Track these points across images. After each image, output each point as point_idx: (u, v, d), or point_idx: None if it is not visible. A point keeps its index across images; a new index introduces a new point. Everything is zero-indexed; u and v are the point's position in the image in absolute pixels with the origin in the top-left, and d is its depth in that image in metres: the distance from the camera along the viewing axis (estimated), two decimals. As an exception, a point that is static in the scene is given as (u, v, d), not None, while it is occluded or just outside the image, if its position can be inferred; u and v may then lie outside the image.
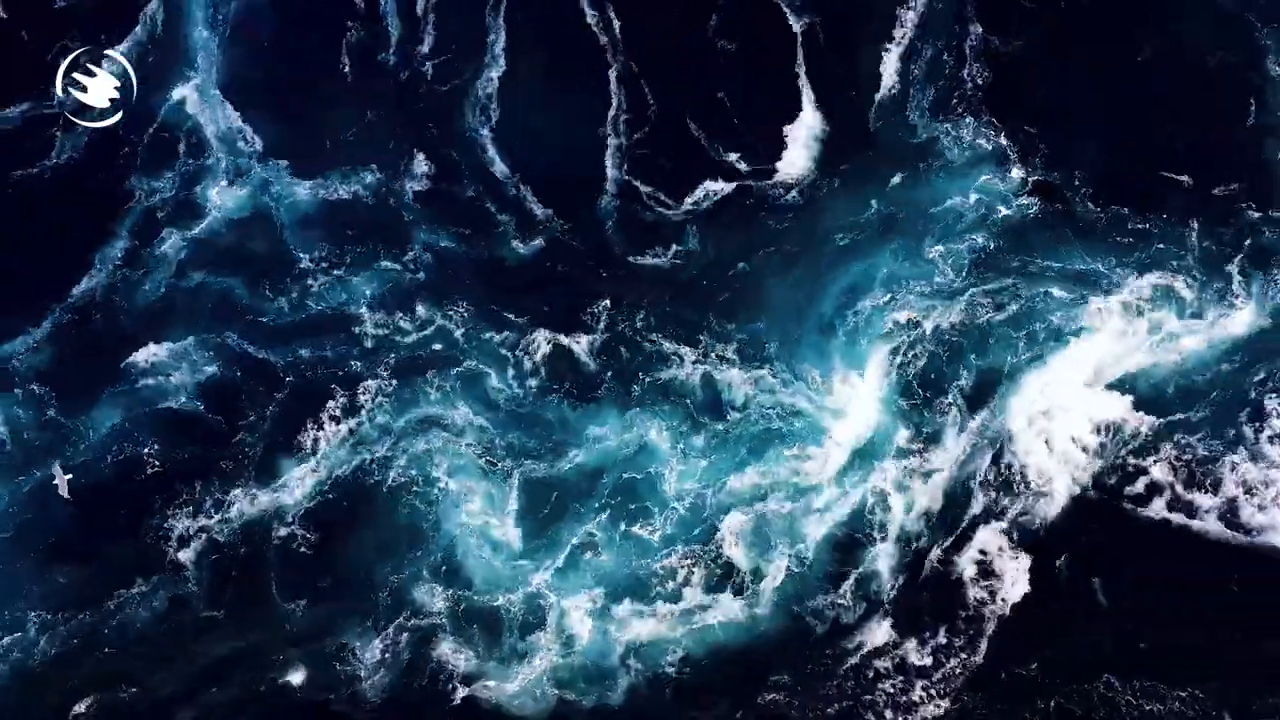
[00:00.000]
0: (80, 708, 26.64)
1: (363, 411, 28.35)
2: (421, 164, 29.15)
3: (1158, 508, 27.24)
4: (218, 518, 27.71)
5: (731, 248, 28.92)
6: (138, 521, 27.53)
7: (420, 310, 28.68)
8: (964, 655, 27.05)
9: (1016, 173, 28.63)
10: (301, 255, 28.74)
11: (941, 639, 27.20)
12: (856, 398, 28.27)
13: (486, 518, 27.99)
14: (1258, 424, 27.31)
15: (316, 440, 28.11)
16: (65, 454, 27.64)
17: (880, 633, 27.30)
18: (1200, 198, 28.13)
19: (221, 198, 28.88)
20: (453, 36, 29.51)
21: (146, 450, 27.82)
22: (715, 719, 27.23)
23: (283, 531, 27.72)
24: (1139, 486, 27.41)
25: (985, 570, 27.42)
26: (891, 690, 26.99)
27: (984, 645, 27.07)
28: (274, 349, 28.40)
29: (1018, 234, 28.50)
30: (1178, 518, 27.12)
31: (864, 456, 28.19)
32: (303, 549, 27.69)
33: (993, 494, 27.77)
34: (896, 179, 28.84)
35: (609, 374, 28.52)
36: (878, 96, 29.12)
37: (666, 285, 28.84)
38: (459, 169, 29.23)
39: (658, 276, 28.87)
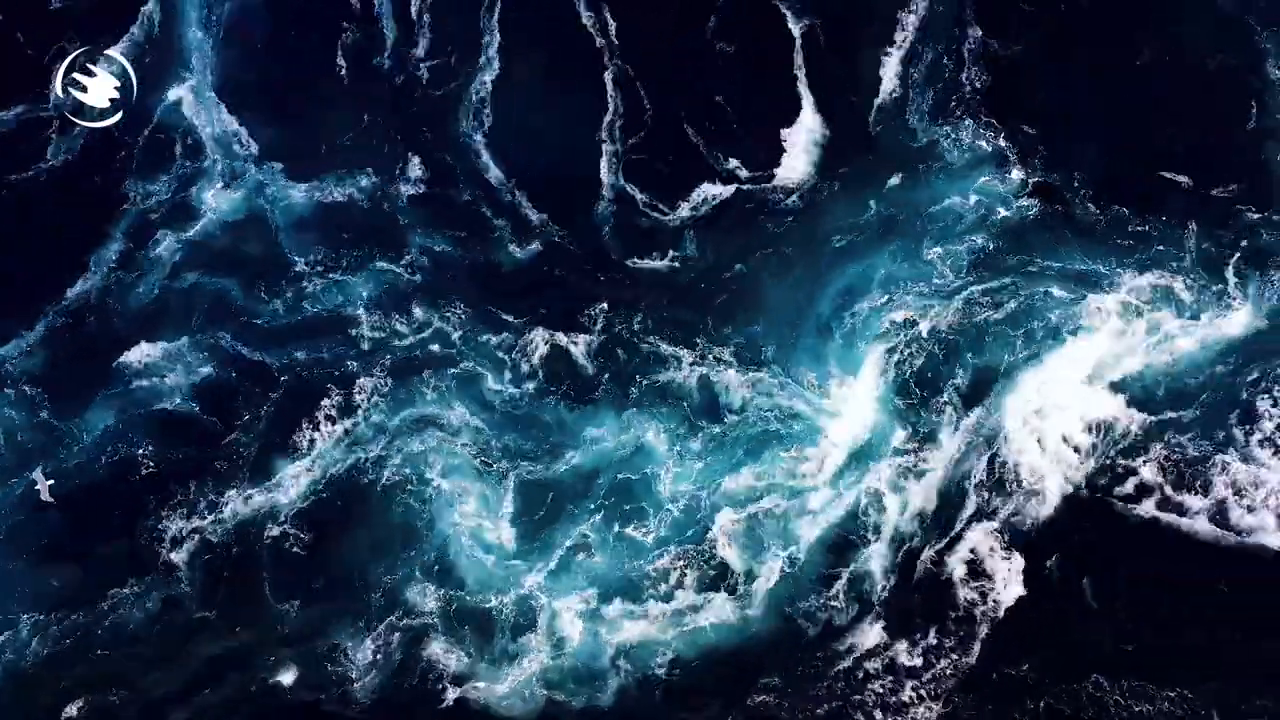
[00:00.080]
0: (72, 709, 26.73)
1: (358, 411, 28.56)
2: (416, 168, 29.46)
3: (1148, 508, 27.41)
4: (211, 518, 27.87)
5: (729, 251, 29.21)
6: (131, 522, 27.69)
7: (417, 312, 28.97)
8: (954, 656, 27.17)
9: (1016, 174, 28.95)
10: (296, 258, 29.03)
11: (932, 639, 27.31)
12: (853, 399, 28.49)
13: (480, 519, 28.18)
14: (1248, 426, 27.50)
15: (312, 440, 28.32)
16: (59, 455, 27.83)
17: (871, 634, 27.41)
18: (1199, 199, 28.43)
19: (216, 200, 29.16)
20: (448, 39, 29.81)
21: (140, 451, 28.01)
22: (705, 721, 27.58)
23: (276, 531, 27.88)
24: (1129, 487, 27.57)
25: (976, 571, 27.54)
26: (881, 691, 27.09)
27: (974, 646, 27.17)
28: (269, 350, 28.64)
29: (1017, 235, 28.79)
30: (1168, 518, 27.28)
31: (860, 457, 28.38)
32: (295, 549, 27.85)
33: (985, 494, 27.91)
34: (896, 180, 29.17)
35: (606, 376, 28.78)
36: (877, 99, 29.43)
37: (664, 288, 29.12)
38: (454, 173, 29.55)
39: (655, 279, 29.17)
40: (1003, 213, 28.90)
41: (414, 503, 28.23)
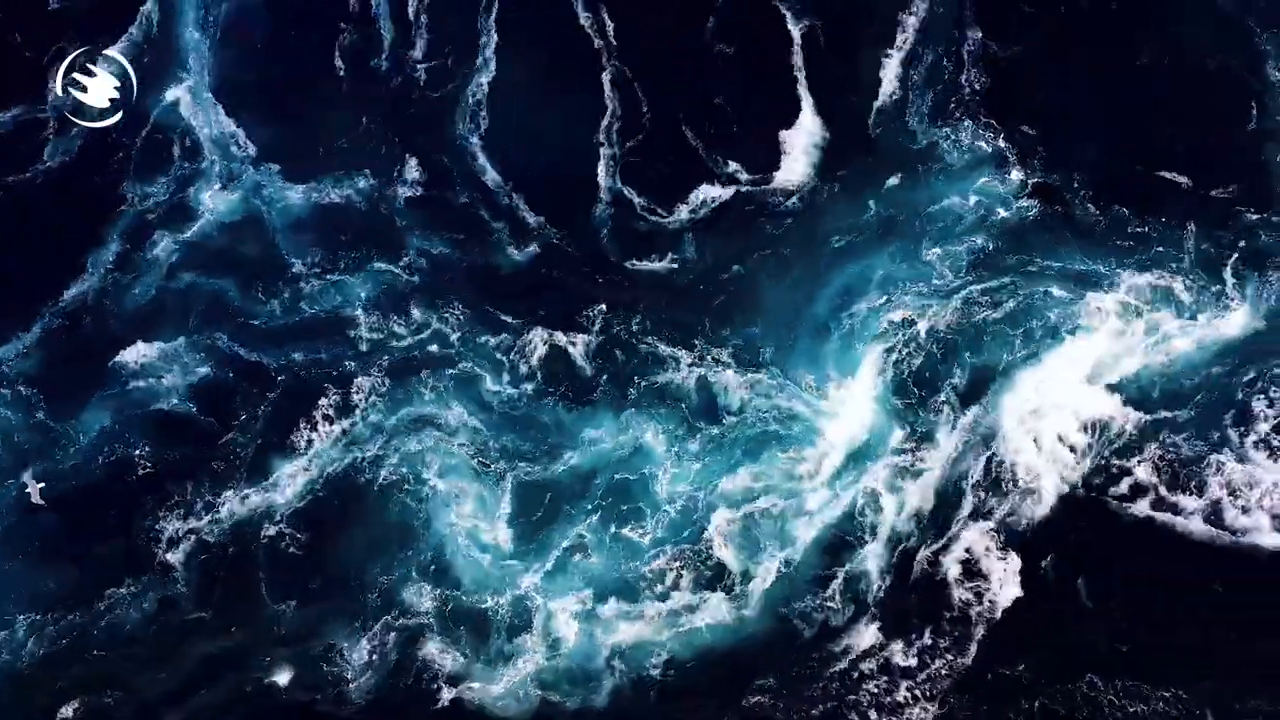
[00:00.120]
0: (68, 710, 26.86)
1: (356, 411, 28.69)
2: (414, 170, 29.64)
3: (1143, 508, 27.48)
4: (207, 518, 27.97)
5: (728, 253, 29.33)
6: (128, 522, 27.78)
7: (415, 313, 29.13)
8: (949, 656, 27.23)
9: (1016, 175, 29.10)
10: (294, 259, 29.20)
11: (927, 640, 27.37)
12: (851, 400, 28.60)
13: (477, 520, 28.31)
14: (1244, 426, 27.63)
15: (309, 440, 28.45)
16: (54, 456, 27.95)
17: (867, 635, 27.46)
18: (1198, 200, 28.58)
19: (214, 201, 29.32)
20: (445, 40, 30.01)
21: (137, 452, 28.12)
22: (699, 722, 27.69)
23: (272, 531, 27.98)
24: (1124, 487, 27.63)
25: (971, 571, 27.62)
26: (876, 691, 27.14)
27: (970, 646, 27.22)
28: (266, 351, 28.79)
29: (1016, 235, 28.93)
30: (1162, 518, 27.35)
31: (857, 458, 28.46)
32: (292, 549, 27.95)
33: (982, 494, 28.01)
34: (895, 181, 29.32)
35: (605, 377, 28.93)
36: (877, 101, 29.57)
37: (662, 289, 29.26)
38: (451, 175, 29.72)
39: (654, 281, 29.32)
40: (1002, 213, 29.05)
41: (411, 502, 28.34)
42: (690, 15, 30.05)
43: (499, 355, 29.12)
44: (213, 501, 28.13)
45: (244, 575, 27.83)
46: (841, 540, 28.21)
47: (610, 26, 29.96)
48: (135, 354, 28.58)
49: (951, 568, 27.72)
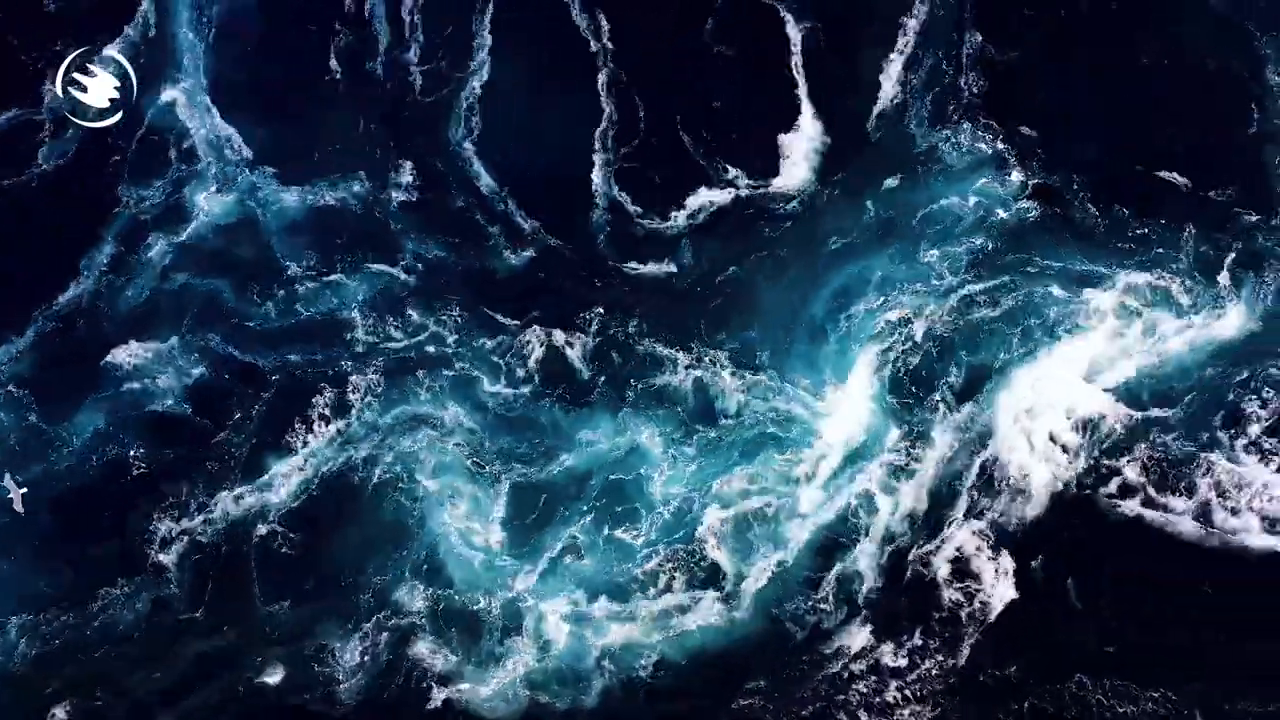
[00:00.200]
0: (60, 711, 27.10)
1: (352, 411, 28.95)
2: (408, 173, 30.03)
3: (1133, 508, 27.69)
4: (201, 519, 28.23)
5: (726, 256, 29.65)
6: (121, 523, 28.10)
7: (412, 315, 29.49)
8: (940, 657, 27.42)
9: (1016, 176, 29.43)
10: (289, 262, 29.59)
11: (918, 640, 27.56)
12: (848, 401, 28.81)
13: (471, 521, 28.53)
14: (1234, 429, 27.84)
15: (304, 439, 28.69)
16: (48, 458, 28.25)
17: (858, 636, 27.64)
18: (1197, 201, 28.90)
19: (209, 203, 29.69)
20: (441, 43, 30.41)
21: (131, 452, 28.44)
22: (688, 724, 27.79)
23: (264, 531, 28.23)
24: (1114, 487, 27.86)
25: (962, 572, 27.81)
26: (866, 692, 27.30)
27: (960, 647, 27.42)
28: (261, 352, 29.10)
29: (1016, 236, 29.24)
30: (1152, 518, 27.57)
31: (853, 459, 28.69)
32: (285, 549, 28.20)
33: (975, 493, 28.21)
34: (894, 183, 29.66)
35: (602, 379, 29.20)
36: (877, 104, 29.95)
37: (660, 292, 29.58)
38: (446, 179, 30.10)
39: (651, 283, 29.65)
40: (1002, 214, 29.35)
41: (405, 500, 28.60)
42: (688, 17, 30.39)
43: (496, 357, 29.40)
44: (206, 502, 28.40)
45: (237, 575, 28.07)
46: (834, 541, 28.41)
47: (607, 29, 30.33)
48: (128, 353, 28.89)
49: (942, 568, 27.92)
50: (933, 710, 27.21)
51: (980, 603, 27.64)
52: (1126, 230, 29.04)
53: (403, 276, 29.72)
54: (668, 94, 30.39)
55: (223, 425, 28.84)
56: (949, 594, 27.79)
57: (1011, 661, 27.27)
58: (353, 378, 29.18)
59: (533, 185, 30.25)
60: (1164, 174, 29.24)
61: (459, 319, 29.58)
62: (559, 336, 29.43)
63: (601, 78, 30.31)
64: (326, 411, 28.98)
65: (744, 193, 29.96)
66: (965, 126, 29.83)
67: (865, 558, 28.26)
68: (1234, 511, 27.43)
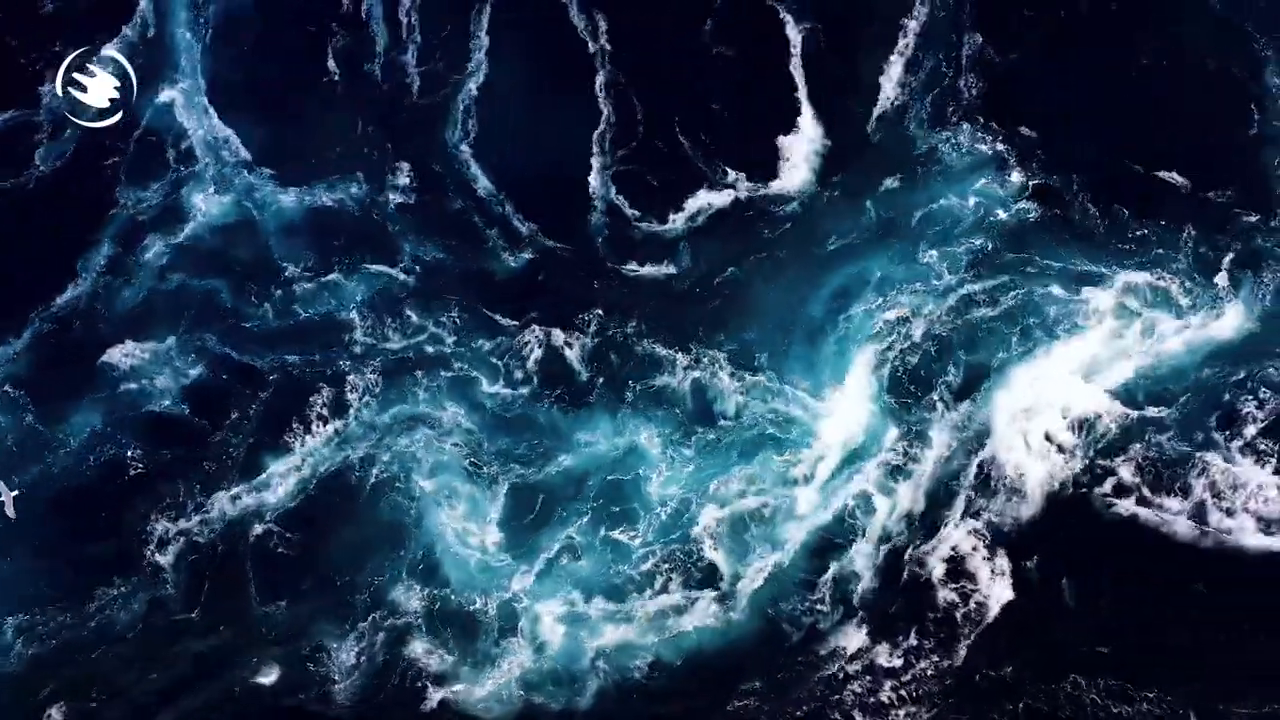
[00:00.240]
0: (55, 712, 27.13)
1: (349, 410, 29.08)
2: (406, 175, 30.26)
3: (1129, 508, 27.69)
4: (197, 519, 28.34)
5: (725, 257, 29.83)
6: (118, 523, 28.22)
7: (410, 316, 29.67)
8: (935, 657, 27.40)
9: (1016, 177, 29.59)
10: (286, 263, 29.80)
11: (913, 641, 27.54)
12: (846, 401, 28.90)
13: (468, 521, 28.62)
14: (1230, 429, 27.85)
15: (302, 439, 28.82)
16: (45, 459, 28.42)
17: (854, 637, 27.62)
18: (1197, 202, 29.03)
19: (206, 205, 29.93)
20: (438, 45, 30.66)
21: (129, 453, 28.59)
22: (682, 724, 27.86)
23: (261, 530, 28.34)
24: (1109, 487, 27.86)
25: (958, 572, 27.83)
26: (861, 692, 27.26)
27: (955, 647, 27.39)
28: (259, 353, 29.27)
29: (1015, 236, 29.37)
30: (1148, 519, 27.57)
31: (851, 459, 28.74)
32: (281, 549, 28.31)
33: (971, 493, 28.24)
34: (894, 184, 29.83)
35: (601, 380, 29.34)
36: (877, 105, 30.14)
37: (659, 293, 29.76)
38: (444, 181, 30.32)
39: (650, 284, 29.84)
40: (1001, 215, 29.49)
41: (402, 500, 28.71)
42: (688, 17, 30.57)
43: (494, 358, 29.57)
44: (203, 502, 28.53)
45: (233, 575, 28.18)
46: (830, 542, 28.46)
47: (605, 29, 30.53)
48: (125, 354, 29.09)
49: (938, 569, 27.98)
50: (928, 711, 27.20)
51: (976, 603, 27.67)
52: (1126, 230, 29.16)
53: (401, 277, 29.90)
54: (666, 95, 30.55)
55: (220, 425, 29.00)
56: (944, 594, 27.83)
57: (1007, 662, 27.28)
58: (350, 378, 29.31)
59: (531, 187, 30.41)
60: (1163, 174, 29.37)
61: (457, 320, 29.75)
62: (557, 337, 29.59)
63: (600, 79, 30.49)
64: (324, 411, 29.11)
65: (743, 194, 30.12)
66: (965, 127, 30.01)
67: (861, 558, 28.31)
68: (1229, 512, 27.47)
